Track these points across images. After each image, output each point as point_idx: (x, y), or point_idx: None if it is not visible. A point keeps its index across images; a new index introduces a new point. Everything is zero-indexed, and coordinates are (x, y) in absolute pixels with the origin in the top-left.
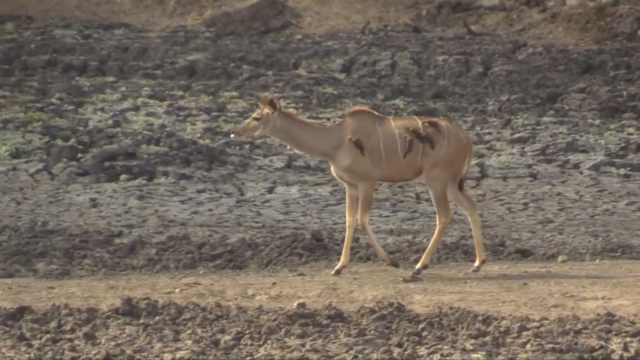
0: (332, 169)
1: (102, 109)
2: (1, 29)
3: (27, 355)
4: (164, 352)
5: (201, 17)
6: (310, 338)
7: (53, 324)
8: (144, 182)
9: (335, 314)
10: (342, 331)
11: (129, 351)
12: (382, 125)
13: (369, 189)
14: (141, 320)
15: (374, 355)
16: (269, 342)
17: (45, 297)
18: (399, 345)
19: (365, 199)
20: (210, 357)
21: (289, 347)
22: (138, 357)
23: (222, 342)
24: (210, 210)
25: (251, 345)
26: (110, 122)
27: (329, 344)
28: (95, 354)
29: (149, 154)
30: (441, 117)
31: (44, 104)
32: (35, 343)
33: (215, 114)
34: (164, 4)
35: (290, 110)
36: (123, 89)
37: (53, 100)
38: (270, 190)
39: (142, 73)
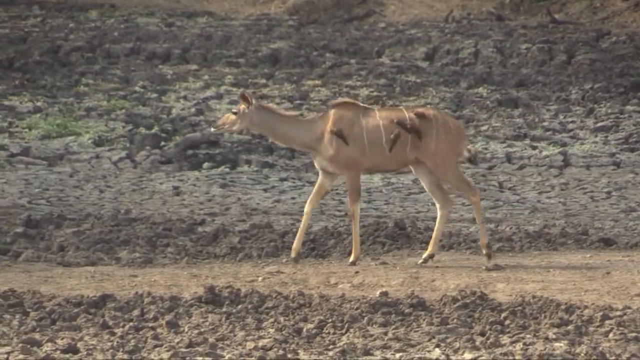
0: (315, 160)
1: (185, 97)
2: (85, 17)
3: (109, 344)
4: (246, 341)
5: (284, 5)
6: (393, 327)
7: (136, 312)
8: (227, 170)
9: (418, 302)
10: (424, 320)
11: (211, 339)
12: (366, 117)
13: (355, 179)
14: (224, 309)
15: (457, 344)
16: (351, 330)
17: (128, 285)
18: (482, 334)
19: (353, 188)
20: (293, 345)
21: (371, 335)
22: (221, 345)
23: (304, 330)
24: (293, 198)
25: (334, 333)
26: (193, 110)
27: (411, 333)
28: (178, 342)
29: (231, 142)
30: (429, 107)
31: (127, 92)
32: (118, 331)
33: (298, 102)
34: None
35: (270, 104)
36: (206, 77)
37: (136, 88)
38: None
39: (225, 61)
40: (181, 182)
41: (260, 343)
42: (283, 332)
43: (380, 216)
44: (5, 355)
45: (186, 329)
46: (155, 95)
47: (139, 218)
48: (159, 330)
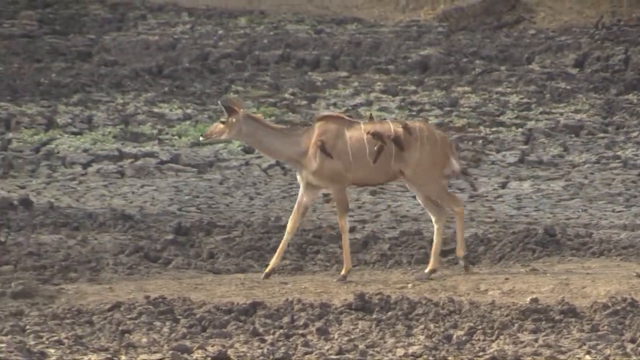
0: (299, 174)
1: (334, 104)
2: (234, 23)
3: (260, 351)
4: (396, 347)
5: (434, 11)
6: (543, 333)
7: (286, 319)
8: None
9: (568, 309)
10: (574, 327)
11: (361, 346)
12: (351, 130)
13: (341, 192)
14: (374, 316)
15: (607, 351)
16: (501, 337)
17: (278, 292)
18: (632, 340)
19: (340, 202)
20: (443, 352)
21: (521, 342)
22: (371, 352)
23: (454, 337)
24: None
25: (483, 340)
26: None
27: (561, 340)
28: (328, 349)
29: None
30: (417, 120)
31: (276, 99)
32: (269, 338)
33: (447, 108)
34: None
35: (258, 115)
36: (355, 83)
37: (286, 95)
38: (503, 186)
39: (375, 68)
40: None
41: (410, 350)
42: (433, 339)
43: (530, 223)
44: None
45: (336, 336)
46: (304, 102)
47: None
48: (309, 337)
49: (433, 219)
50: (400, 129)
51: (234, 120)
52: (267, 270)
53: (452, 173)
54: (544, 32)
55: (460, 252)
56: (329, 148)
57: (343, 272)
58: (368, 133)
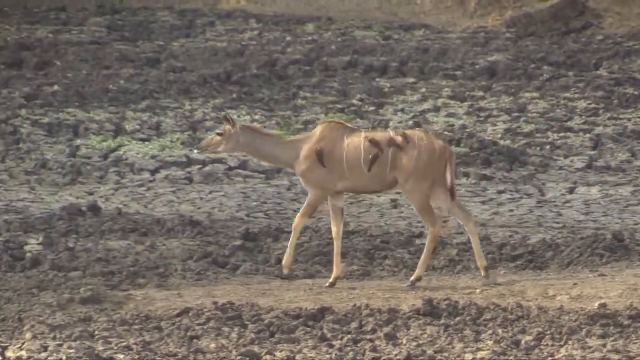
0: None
1: (402, 110)
2: (302, 30)
3: (328, 356)
4: (465, 353)
5: (502, 18)
6: (612, 339)
7: (354, 325)
8: None
9: (637, 314)
10: None
11: (430, 352)
12: (350, 137)
13: (318, 199)
14: (442, 321)
15: None
16: (570, 342)
17: (346, 297)
18: None
19: (311, 204)
20: (511, 357)
21: (590, 347)
22: (439, 357)
23: (523, 342)
24: (511, 211)
25: (552, 345)
26: (410, 123)
27: (630, 345)
28: (396, 355)
29: None
30: (418, 129)
31: (344, 105)
32: (337, 344)
33: (516, 114)
34: (464, 5)
35: (254, 125)
36: (423, 90)
37: (354, 101)
38: (571, 191)
39: (443, 74)
40: (398, 195)
41: (479, 355)
42: (501, 344)
43: (599, 228)
44: None
45: (404, 341)
46: (372, 108)
47: (356, 231)
48: (377, 342)
49: (463, 224)
50: (399, 138)
51: (232, 131)
52: (331, 280)
53: (447, 185)
54: (612, 37)
55: (420, 271)
56: (325, 156)
57: (284, 271)
58: (366, 140)
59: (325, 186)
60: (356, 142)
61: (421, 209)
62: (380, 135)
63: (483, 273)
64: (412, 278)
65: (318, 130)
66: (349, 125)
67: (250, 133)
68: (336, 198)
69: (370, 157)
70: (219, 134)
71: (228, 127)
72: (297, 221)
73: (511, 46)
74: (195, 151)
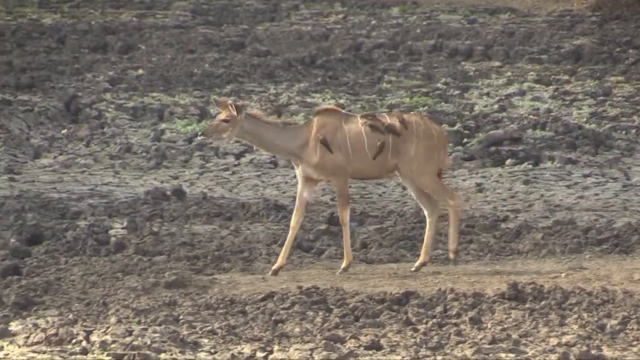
0: (298, 169)
1: (487, 94)
2: (387, 13)
3: (412, 340)
4: (549, 337)
5: (587, 1)
6: None
7: (439, 309)
8: (530, 166)
9: None
10: None
11: (514, 336)
12: (349, 124)
13: (342, 184)
14: (527, 305)
15: None
16: None
17: (431, 281)
18: None
19: (341, 194)
20: (596, 341)
21: None
22: (524, 341)
23: (608, 326)
24: (596, 194)
25: (637, 329)
26: (495, 107)
27: None
28: (481, 339)
29: (534, 138)
30: (413, 113)
31: (429, 89)
32: (421, 327)
33: (601, 98)
34: None
35: (256, 111)
36: (509, 73)
37: (439, 85)
38: None
39: (528, 58)
40: (484, 179)
41: (564, 339)
42: (586, 328)
43: None
44: (309, 352)
45: (489, 325)
46: (457, 92)
47: (440, 215)
48: (462, 326)
49: (426, 213)
50: (397, 123)
51: (238, 118)
52: (275, 267)
53: (447, 167)
54: None
55: (453, 245)
56: (329, 141)
57: (344, 265)
58: (365, 125)
59: (342, 169)
60: (356, 127)
61: (433, 190)
62: (379, 120)
63: (417, 264)
64: (452, 247)
65: (315, 119)
66: (343, 110)
67: (254, 120)
68: (307, 189)
69: (378, 144)
70: (224, 121)
71: (234, 113)
72: (342, 215)
73: (596, 29)
74: (200, 137)
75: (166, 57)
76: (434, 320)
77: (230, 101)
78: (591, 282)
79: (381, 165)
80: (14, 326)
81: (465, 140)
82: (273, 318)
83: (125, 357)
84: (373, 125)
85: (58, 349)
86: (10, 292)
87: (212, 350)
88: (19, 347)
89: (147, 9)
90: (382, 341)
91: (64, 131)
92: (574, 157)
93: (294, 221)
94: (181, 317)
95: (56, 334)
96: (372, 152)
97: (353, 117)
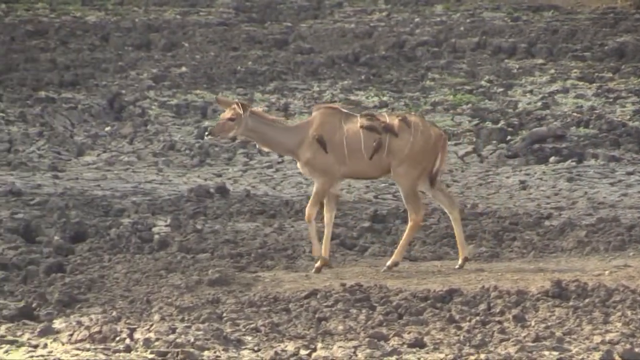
0: (298, 165)
1: (531, 92)
2: (430, 11)
3: (456, 338)
4: (593, 335)
5: None
6: None
7: (482, 307)
8: (573, 164)
9: None
10: None
11: (558, 333)
12: (348, 123)
13: (324, 185)
14: (570, 303)
15: None
16: None
17: (474, 279)
18: None
19: (318, 193)
20: None
21: None
22: (567, 339)
23: None
24: None
25: None
26: (539, 104)
27: None
28: (524, 336)
29: (578, 136)
30: (413, 113)
31: (473, 87)
32: (465, 325)
33: None
34: None
35: (258, 109)
36: (552, 71)
37: (482, 82)
38: None
39: (571, 55)
40: (527, 176)
41: (608, 337)
42: (630, 326)
43: None
44: (352, 349)
45: (533, 323)
46: (501, 89)
47: (485, 212)
48: (505, 324)
49: (447, 211)
50: (396, 122)
51: (243, 117)
52: (320, 263)
53: (444, 171)
54: None
55: (397, 257)
56: (326, 141)
57: (316, 265)
58: (363, 126)
59: (331, 171)
60: (354, 127)
61: (407, 195)
62: (377, 120)
63: (460, 262)
64: (389, 263)
65: (316, 117)
66: (344, 109)
67: (258, 118)
68: (334, 185)
69: (374, 144)
70: (230, 119)
71: (240, 111)
72: (309, 211)
73: None
74: (207, 136)
75: (209, 55)
76: (478, 318)
77: (234, 101)
78: (635, 279)
79: (377, 164)
80: (58, 324)
81: (509, 137)
82: (316, 316)
83: (169, 355)
84: (370, 125)
85: (102, 346)
86: (54, 289)
87: (256, 348)
88: (63, 344)
89: (191, 7)
90: (426, 339)
91: (107, 129)
92: (617, 154)
93: (326, 218)
94: (224, 314)
95: (100, 332)
96: (369, 152)
97: (353, 116)
